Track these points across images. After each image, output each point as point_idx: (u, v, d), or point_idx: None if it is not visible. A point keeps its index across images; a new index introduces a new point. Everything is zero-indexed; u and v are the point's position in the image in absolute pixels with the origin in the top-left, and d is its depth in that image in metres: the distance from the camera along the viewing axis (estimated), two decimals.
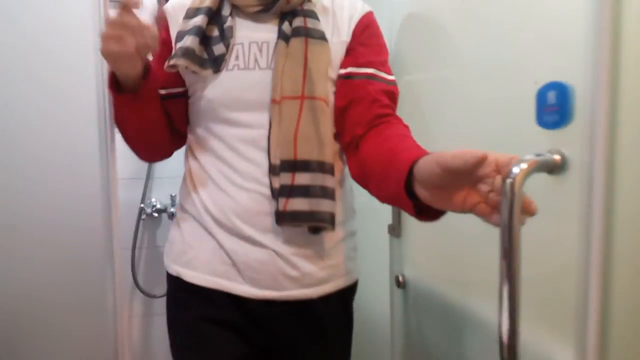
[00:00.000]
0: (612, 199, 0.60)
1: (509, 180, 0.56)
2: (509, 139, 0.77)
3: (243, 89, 0.94)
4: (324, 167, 0.92)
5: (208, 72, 0.93)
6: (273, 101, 0.92)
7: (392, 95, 0.96)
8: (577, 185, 0.63)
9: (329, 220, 0.91)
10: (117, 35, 0.79)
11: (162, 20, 1.01)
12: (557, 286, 0.70)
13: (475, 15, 0.91)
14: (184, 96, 1.00)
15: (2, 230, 1.00)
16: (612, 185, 0.60)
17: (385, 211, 1.22)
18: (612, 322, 0.62)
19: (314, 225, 0.91)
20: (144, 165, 1.89)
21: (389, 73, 0.98)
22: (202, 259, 0.98)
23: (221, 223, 0.95)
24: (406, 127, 0.93)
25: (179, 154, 1.14)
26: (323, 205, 0.90)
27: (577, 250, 0.64)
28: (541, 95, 0.68)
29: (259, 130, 0.93)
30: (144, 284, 1.92)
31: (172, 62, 0.91)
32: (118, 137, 1.01)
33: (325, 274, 0.97)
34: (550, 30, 0.69)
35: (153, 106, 0.97)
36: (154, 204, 1.92)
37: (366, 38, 0.99)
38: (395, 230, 1.21)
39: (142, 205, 1.90)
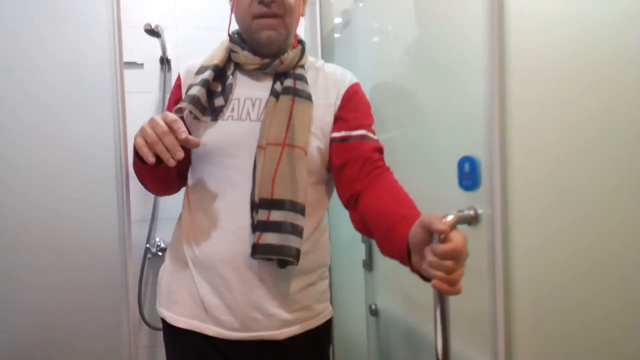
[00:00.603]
0: (507, 240, 0.82)
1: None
2: (440, 197, 0.99)
3: (235, 136, 1.07)
4: (296, 207, 1.02)
5: (207, 119, 1.07)
6: (259, 147, 1.03)
7: (381, 150, 1.08)
8: (485, 233, 0.85)
9: (295, 255, 1.01)
10: (154, 140, 0.92)
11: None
12: (477, 308, 0.91)
13: (411, 98, 1.14)
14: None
15: (33, 269, 1.17)
16: (507, 232, 0.82)
17: (359, 247, 1.43)
18: (516, 334, 0.83)
19: (281, 258, 1.00)
20: (149, 208, 2.10)
21: (374, 134, 1.11)
22: (180, 302, 1.09)
23: (199, 262, 1.06)
24: (395, 181, 1.03)
25: (179, 196, 1.28)
26: (291, 240, 1.00)
27: (487, 280, 0.85)
28: (460, 165, 0.91)
29: (245, 173, 1.04)
30: (149, 317, 2.10)
31: (179, 105, 1.05)
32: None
33: (292, 316, 1.07)
34: (466, 113, 0.92)
35: (171, 169, 1.05)
36: (159, 243, 2.12)
37: (355, 104, 1.12)
38: (367, 264, 1.42)
39: (147, 245, 2.09)
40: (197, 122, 1.09)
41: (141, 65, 2.05)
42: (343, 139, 1.09)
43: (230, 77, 1.10)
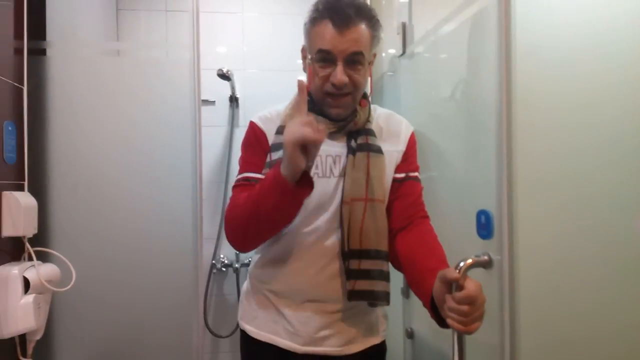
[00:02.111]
0: (513, 283, 0.97)
1: (460, 267, 0.96)
2: (463, 244, 1.15)
3: (323, 193, 1.17)
4: (380, 254, 1.16)
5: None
6: (344, 202, 1.15)
7: (421, 192, 1.24)
8: (497, 276, 1.00)
9: (385, 298, 1.16)
10: (311, 125, 0.98)
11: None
12: (489, 340, 1.05)
13: (440, 151, 1.31)
14: None
15: (119, 286, 1.43)
16: (513, 275, 0.97)
17: (398, 276, 1.58)
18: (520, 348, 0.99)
19: (374, 302, 1.16)
20: (215, 227, 2.34)
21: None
22: (262, 320, 1.25)
23: (285, 296, 1.21)
24: (432, 230, 1.18)
25: None
26: (380, 285, 1.15)
27: (499, 314, 1.00)
28: (478, 216, 1.07)
29: (332, 225, 1.17)
30: (212, 326, 2.35)
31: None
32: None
33: (355, 336, 1.22)
34: (483, 171, 1.08)
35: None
36: (223, 260, 2.36)
37: (413, 149, 1.26)
38: (405, 292, 1.58)
39: (213, 261, 2.34)
40: None
41: (213, 103, 2.31)
42: (402, 179, 1.23)
43: None
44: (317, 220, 1.19)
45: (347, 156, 1.19)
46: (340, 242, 1.17)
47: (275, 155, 1.16)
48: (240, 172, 1.23)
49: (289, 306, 1.22)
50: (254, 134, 1.24)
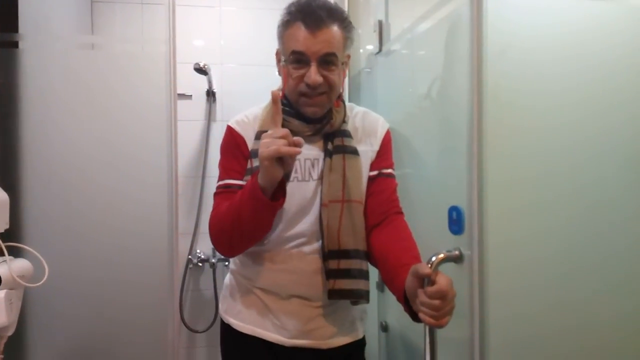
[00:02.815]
0: (483, 278, 1.00)
1: (431, 262, 0.99)
2: (436, 239, 1.18)
3: (303, 197, 1.21)
4: (359, 254, 1.19)
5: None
6: (323, 205, 1.19)
7: (396, 188, 1.26)
8: (467, 270, 1.03)
9: (365, 295, 1.19)
10: (286, 138, 0.99)
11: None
12: (459, 334, 1.08)
13: (414, 147, 1.33)
14: None
15: (93, 281, 1.42)
16: (483, 270, 1.00)
17: (372, 271, 1.60)
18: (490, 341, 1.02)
19: (353, 300, 1.19)
20: (191, 222, 2.34)
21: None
22: (247, 314, 1.27)
23: (271, 292, 1.24)
24: (406, 226, 1.21)
25: None
26: (360, 284, 1.19)
27: (469, 308, 1.03)
28: (450, 212, 1.09)
29: (312, 227, 1.20)
30: (189, 321, 2.34)
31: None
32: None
33: (339, 331, 1.26)
34: (455, 167, 1.10)
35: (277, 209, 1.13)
36: (199, 255, 2.36)
37: (387, 147, 1.29)
38: (380, 286, 1.60)
39: (189, 256, 2.34)
40: None
41: (190, 97, 2.30)
42: (376, 177, 1.26)
43: None
44: (300, 224, 1.21)
45: (324, 159, 1.22)
46: (321, 243, 1.20)
47: (256, 161, 1.15)
48: (220, 179, 1.24)
49: (275, 301, 1.24)
50: (233, 140, 1.25)
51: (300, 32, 1.13)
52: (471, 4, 1.03)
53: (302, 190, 1.21)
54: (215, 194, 1.24)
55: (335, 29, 1.14)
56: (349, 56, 1.24)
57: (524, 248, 1.06)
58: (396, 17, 1.63)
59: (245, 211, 1.09)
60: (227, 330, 1.32)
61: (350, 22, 1.19)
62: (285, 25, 1.17)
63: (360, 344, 1.34)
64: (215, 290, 2.36)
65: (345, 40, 1.18)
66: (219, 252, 1.23)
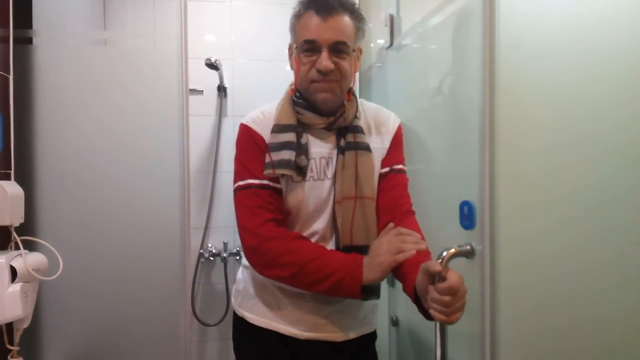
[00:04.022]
0: (494, 273, 1.00)
1: (442, 257, 0.99)
2: (447, 234, 1.18)
3: (319, 196, 1.22)
4: None
5: (299, 179, 1.20)
6: (337, 202, 1.20)
7: (407, 184, 1.27)
8: (478, 265, 1.03)
9: (375, 292, 1.18)
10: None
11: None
12: (470, 328, 1.08)
13: (426, 142, 1.33)
14: (281, 191, 1.24)
15: (106, 275, 1.43)
16: (494, 265, 1.00)
17: None
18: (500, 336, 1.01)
19: (365, 296, 1.16)
20: (203, 216, 2.35)
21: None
22: (263, 307, 1.29)
23: (286, 288, 1.24)
24: (417, 226, 1.21)
25: (230, 207, 1.37)
26: None
27: (480, 303, 1.03)
28: (461, 207, 1.09)
29: (328, 223, 1.22)
30: (200, 314, 2.36)
31: (278, 171, 1.17)
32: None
33: (352, 324, 1.28)
34: (467, 163, 1.10)
35: None
36: (211, 249, 2.37)
37: (398, 143, 1.30)
38: (390, 280, 1.60)
39: (201, 250, 2.35)
40: (291, 183, 1.22)
41: (201, 92, 2.31)
42: (386, 173, 1.26)
43: (305, 135, 1.23)
44: (316, 222, 1.24)
45: (337, 156, 1.23)
46: (335, 240, 1.21)
47: (276, 155, 1.18)
48: (241, 177, 1.24)
49: (289, 296, 1.26)
50: (252, 138, 1.24)
51: (312, 20, 1.15)
52: None
53: (318, 189, 1.23)
54: (238, 193, 1.23)
55: (346, 18, 1.16)
56: (361, 50, 1.24)
57: (536, 243, 1.06)
58: (407, 11, 1.62)
59: (330, 284, 1.12)
60: (241, 323, 1.33)
61: (361, 14, 1.19)
62: (298, 16, 1.19)
63: (372, 336, 1.36)
64: (226, 284, 2.37)
65: (357, 30, 1.18)
66: (253, 265, 1.22)
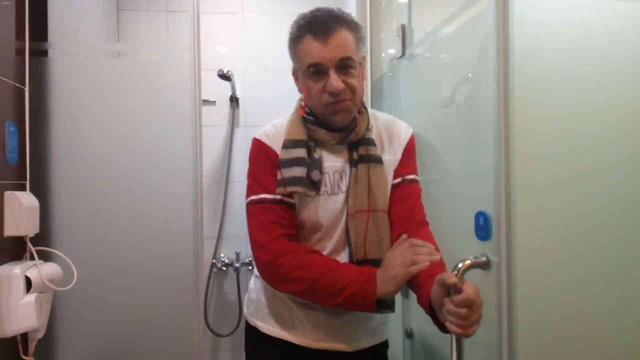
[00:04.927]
0: (511, 284, 0.98)
1: (458, 268, 0.98)
2: (462, 245, 1.16)
3: (333, 210, 1.21)
4: None
5: (313, 193, 1.19)
6: (350, 215, 1.19)
7: (420, 194, 1.26)
8: (494, 277, 1.01)
9: (391, 306, 1.16)
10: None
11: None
12: (487, 340, 1.06)
13: (439, 152, 1.32)
14: (294, 206, 1.22)
15: (120, 285, 1.44)
16: (511, 276, 0.98)
17: None
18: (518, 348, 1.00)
19: (379, 309, 1.13)
20: (215, 226, 2.36)
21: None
22: (275, 317, 1.28)
23: (297, 300, 1.23)
24: (431, 237, 1.19)
25: (242, 217, 1.40)
26: None
27: (496, 315, 1.01)
28: (477, 218, 1.07)
29: (341, 237, 1.21)
30: (213, 325, 2.36)
31: (290, 189, 1.16)
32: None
33: (364, 334, 1.27)
34: (482, 173, 1.09)
35: None
36: (223, 259, 2.37)
37: (411, 153, 1.28)
38: (404, 292, 1.59)
39: (213, 260, 2.35)
40: (305, 198, 1.20)
41: (213, 103, 2.32)
42: (399, 184, 1.25)
43: (318, 150, 1.22)
44: (329, 236, 1.23)
45: (350, 169, 1.22)
46: (349, 254, 1.20)
47: (287, 172, 1.17)
48: (254, 192, 1.22)
49: (302, 306, 1.25)
50: (265, 153, 1.23)
51: (312, 44, 1.13)
52: (497, 6, 1.01)
53: (332, 203, 1.22)
54: (251, 207, 1.22)
55: (345, 32, 1.14)
56: (364, 57, 1.24)
57: (553, 253, 1.04)
58: (419, 21, 1.61)
59: (343, 297, 1.11)
60: (253, 333, 1.33)
61: (357, 23, 1.18)
62: (295, 41, 1.18)
63: (384, 346, 1.35)
64: (239, 295, 2.37)
65: (357, 41, 1.17)
66: (267, 281, 1.21)
